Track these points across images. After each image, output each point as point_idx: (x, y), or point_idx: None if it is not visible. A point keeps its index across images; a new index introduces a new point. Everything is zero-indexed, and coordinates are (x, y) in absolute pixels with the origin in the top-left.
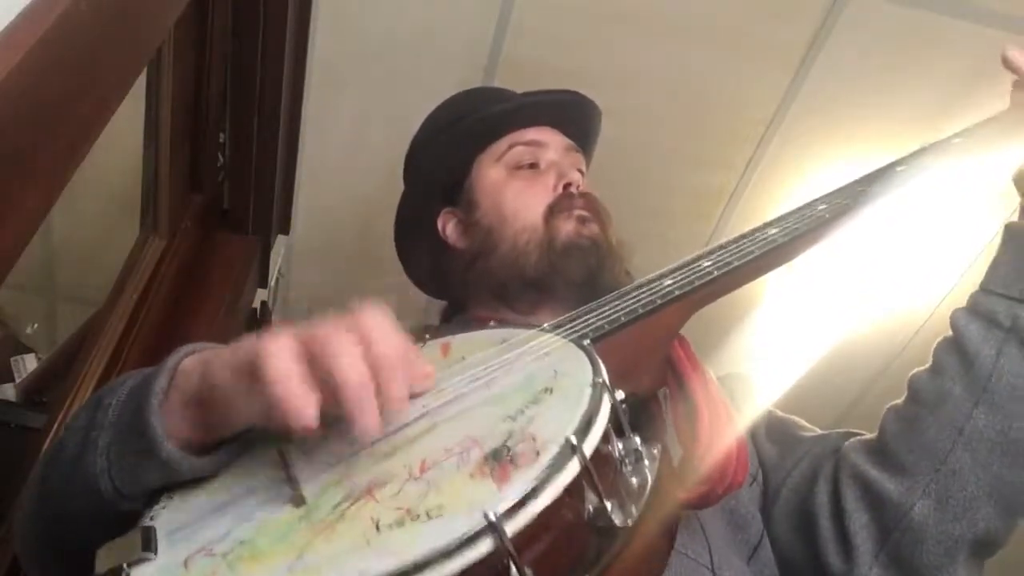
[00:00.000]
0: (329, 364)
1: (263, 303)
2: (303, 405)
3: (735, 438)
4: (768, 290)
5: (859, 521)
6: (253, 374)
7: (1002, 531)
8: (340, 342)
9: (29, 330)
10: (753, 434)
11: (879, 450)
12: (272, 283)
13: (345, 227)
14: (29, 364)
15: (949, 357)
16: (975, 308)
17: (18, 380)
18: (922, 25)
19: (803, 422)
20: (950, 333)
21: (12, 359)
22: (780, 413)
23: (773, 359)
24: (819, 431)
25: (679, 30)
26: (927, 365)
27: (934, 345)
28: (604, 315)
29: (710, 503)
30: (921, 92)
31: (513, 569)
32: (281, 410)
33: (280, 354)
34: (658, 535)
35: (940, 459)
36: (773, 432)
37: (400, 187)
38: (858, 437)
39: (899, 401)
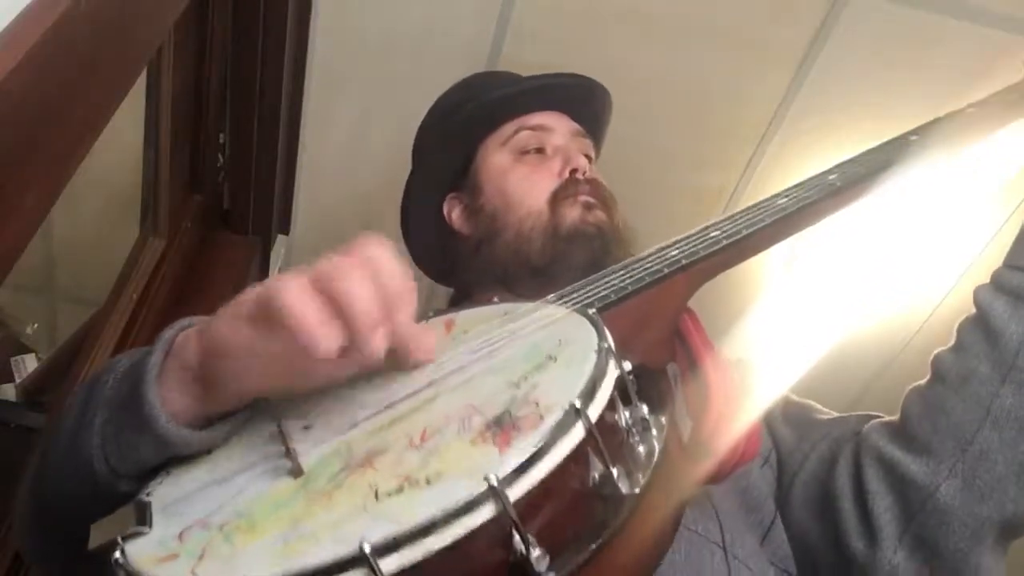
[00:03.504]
0: (336, 289)
1: None
2: (322, 330)
3: (748, 414)
4: (766, 291)
5: (883, 503)
6: (263, 315)
7: None
8: (346, 270)
9: (29, 330)
10: (768, 417)
11: (902, 431)
12: None
13: (345, 227)
14: (29, 364)
15: (974, 335)
16: (1000, 284)
17: (18, 380)
18: (922, 25)
19: (819, 406)
20: (973, 311)
21: (12, 359)
22: (796, 398)
23: (772, 359)
24: (836, 414)
25: (679, 30)
26: (950, 344)
27: (957, 323)
28: (610, 285)
29: (720, 478)
30: (921, 92)
31: (516, 536)
32: (300, 339)
33: (291, 287)
34: (665, 508)
35: (967, 439)
36: (789, 416)
37: (400, 186)
38: (879, 419)
39: (921, 382)
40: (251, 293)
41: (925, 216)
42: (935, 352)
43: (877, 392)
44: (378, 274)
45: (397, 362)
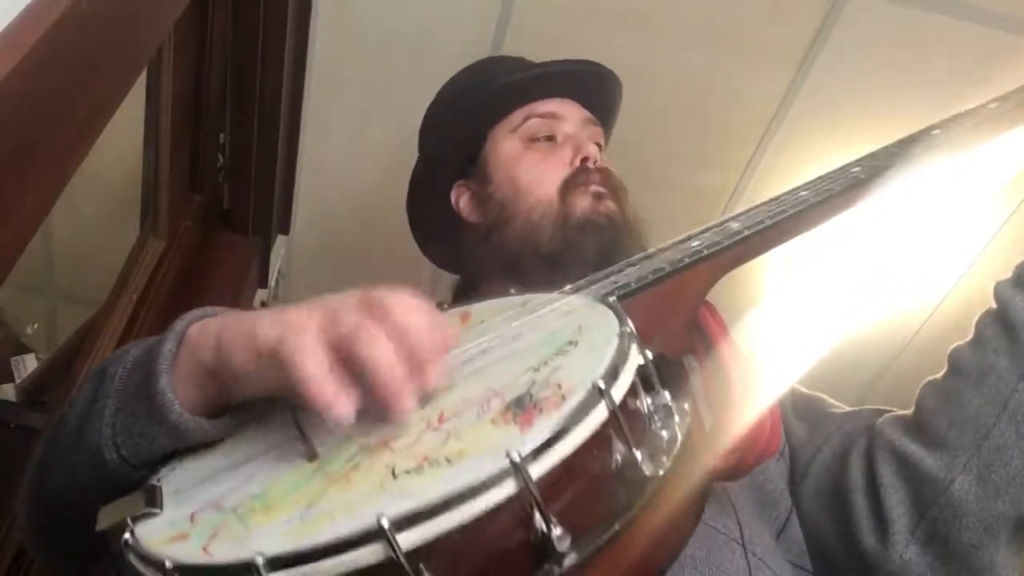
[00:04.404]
0: (359, 354)
1: (263, 303)
2: (338, 403)
3: (766, 407)
4: (767, 291)
5: (895, 497)
6: (276, 361)
7: None
8: (370, 331)
9: (29, 330)
10: (779, 410)
11: (917, 425)
12: (272, 283)
13: (345, 227)
14: (29, 364)
15: (993, 329)
16: (1021, 280)
17: (18, 380)
18: (922, 25)
19: (830, 399)
20: (993, 305)
21: (12, 359)
22: (806, 390)
23: (775, 358)
24: (848, 408)
25: (679, 30)
26: (968, 338)
27: (976, 318)
28: (630, 274)
29: (741, 473)
30: (921, 92)
31: (537, 515)
32: (315, 406)
33: (308, 349)
34: (688, 496)
35: (983, 434)
36: (800, 409)
37: (401, 185)
38: (893, 413)
39: (937, 375)
40: (271, 327)
41: (926, 216)
42: (952, 345)
43: (878, 392)
44: (406, 334)
45: None
